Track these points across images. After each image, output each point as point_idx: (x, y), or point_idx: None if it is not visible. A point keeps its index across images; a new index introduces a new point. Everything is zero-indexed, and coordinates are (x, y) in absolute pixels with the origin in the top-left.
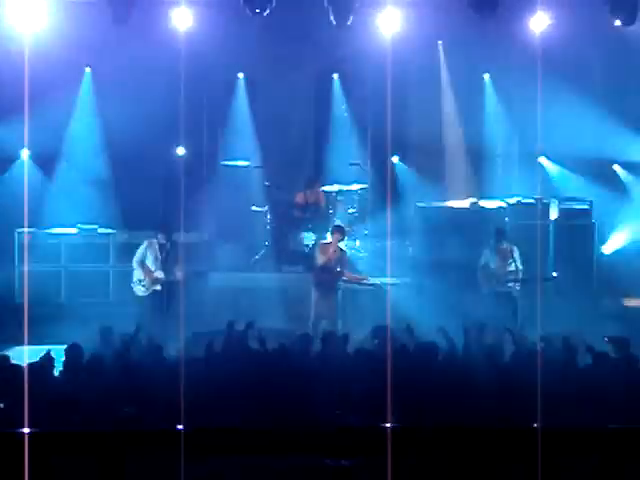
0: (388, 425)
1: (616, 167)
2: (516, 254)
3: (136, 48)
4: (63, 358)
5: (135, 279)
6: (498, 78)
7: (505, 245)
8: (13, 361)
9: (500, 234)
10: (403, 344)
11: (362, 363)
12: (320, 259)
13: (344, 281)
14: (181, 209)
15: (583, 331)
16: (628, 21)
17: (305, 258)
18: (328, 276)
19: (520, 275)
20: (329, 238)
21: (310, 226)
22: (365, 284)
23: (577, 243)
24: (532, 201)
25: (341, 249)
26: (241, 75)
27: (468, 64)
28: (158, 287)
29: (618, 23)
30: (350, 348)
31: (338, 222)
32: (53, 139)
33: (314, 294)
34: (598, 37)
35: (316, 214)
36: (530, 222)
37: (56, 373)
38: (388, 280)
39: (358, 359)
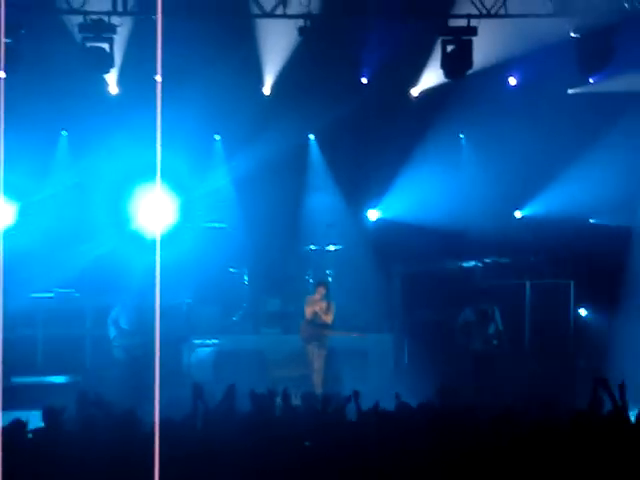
0: None
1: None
2: (497, 315)
3: None
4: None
5: (112, 337)
6: (474, 137)
7: (484, 305)
8: None
9: (478, 294)
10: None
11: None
12: (308, 311)
13: (332, 333)
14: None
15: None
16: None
17: (282, 319)
18: (317, 327)
19: (500, 336)
20: (316, 294)
21: (288, 287)
22: (352, 335)
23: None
24: (507, 260)
25: (328, 301)
26: (218, 137)
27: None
28: (138, 351)
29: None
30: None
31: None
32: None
33: (304, 347)
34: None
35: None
36: (505, 282)
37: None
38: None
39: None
